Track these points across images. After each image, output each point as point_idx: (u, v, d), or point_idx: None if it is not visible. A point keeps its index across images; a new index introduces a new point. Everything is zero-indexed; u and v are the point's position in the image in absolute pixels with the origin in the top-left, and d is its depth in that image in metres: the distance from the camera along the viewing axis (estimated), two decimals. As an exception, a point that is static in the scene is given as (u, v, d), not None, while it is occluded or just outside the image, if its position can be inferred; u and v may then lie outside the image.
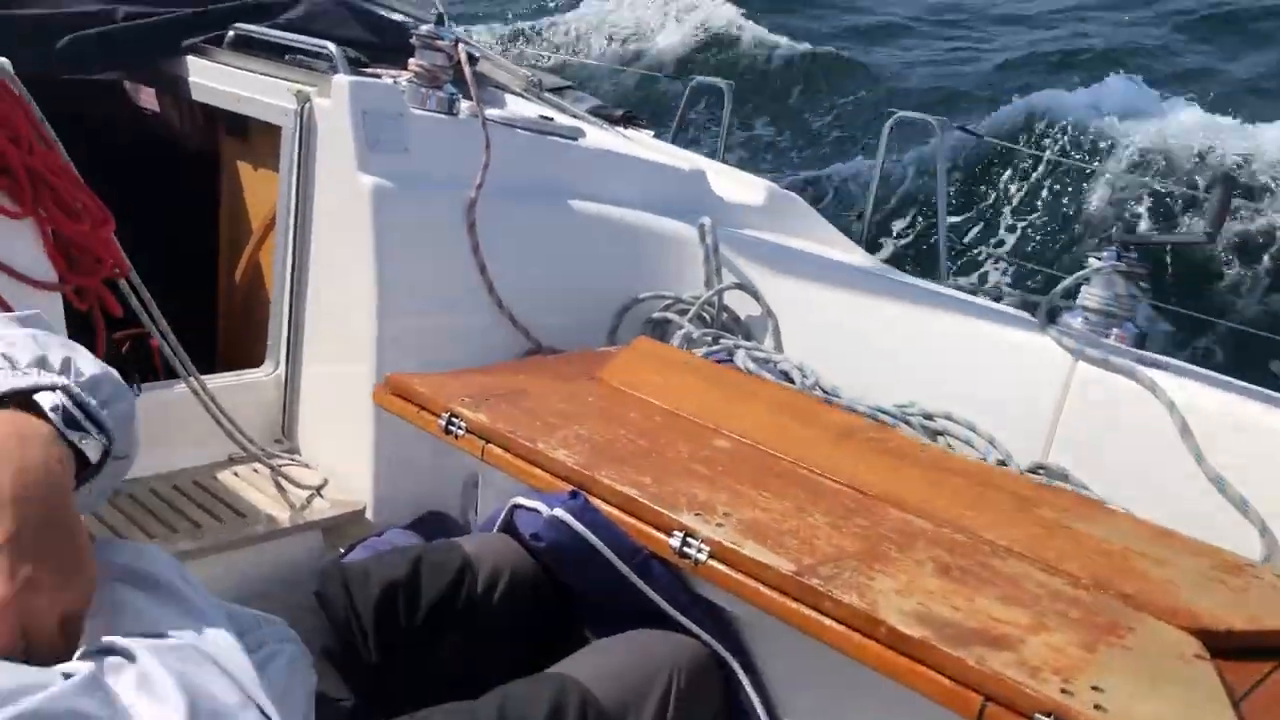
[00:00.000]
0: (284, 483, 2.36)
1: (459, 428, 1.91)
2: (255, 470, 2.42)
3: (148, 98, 3.09)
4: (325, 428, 2.53)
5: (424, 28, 2.55)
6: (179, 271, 2.94)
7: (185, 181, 2.94)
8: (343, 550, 2.24)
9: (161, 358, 2.24)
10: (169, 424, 2.33)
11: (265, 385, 2.58)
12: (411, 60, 2.54)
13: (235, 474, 2.42)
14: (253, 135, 2.74)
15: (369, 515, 2.37)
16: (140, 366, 2.33)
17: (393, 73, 2.68)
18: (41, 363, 0.97)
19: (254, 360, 2.63)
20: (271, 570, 2.27)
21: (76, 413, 0.94)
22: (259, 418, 2.56)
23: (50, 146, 1.99)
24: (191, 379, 2.26)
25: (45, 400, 0.93)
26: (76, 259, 2.02)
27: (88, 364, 1.02)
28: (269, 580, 2.25)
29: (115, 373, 1.06)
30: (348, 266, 2.39)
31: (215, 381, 2.40)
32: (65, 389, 0.95)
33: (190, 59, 2.73)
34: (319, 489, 2.39)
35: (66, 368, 0.99)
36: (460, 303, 2.48)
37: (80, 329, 2.05)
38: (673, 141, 3.49)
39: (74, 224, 1.97)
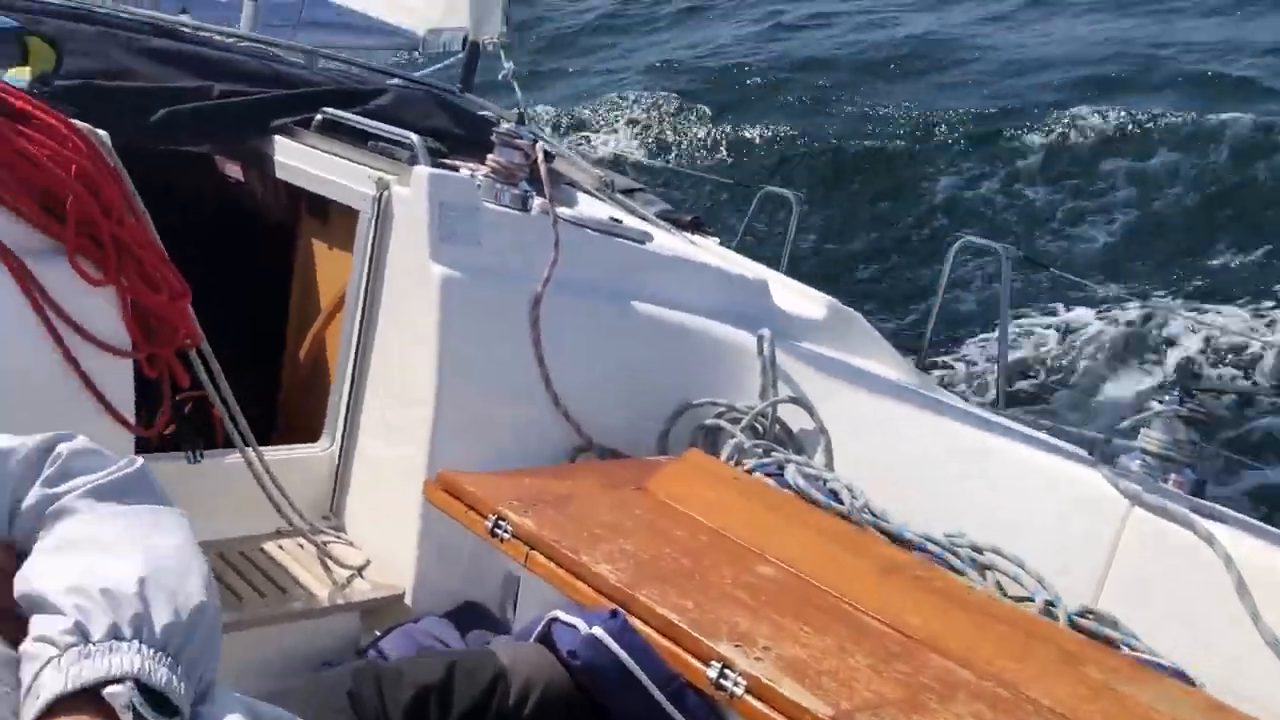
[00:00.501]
0: (328, 561, 2.38)
1: (505, 531, 1.92)
2: (301, 545, 2.44)
3: (234, 170, 3.20)
4: (373, 508, 2.55)
5: (505, 126, 2.62)
6: (249, 339, 3.02)
7: (263, 254, 3.02)
8: (378, 633, 2.24)
9: (222, 426, 2.29)
10: (222, 492, 2.36)
11: (319, 461, 2.61)
12: (490, 156, 2.61)
13: (281, 547, 2.44)
14: (332, 216, 2.81)
15: (408, 600, 2.37)
16: (201, 428, 2.37)
17: (471, 165, 2.75)
18: (115, 631, 0.93)
19: (312, 433, 2.67)
20: (308, 649, 2.28)
21: (148, 714, 0.90)
22: (310, 492, 2.59)
23: (138, 217, 2.07)
24: (248, 450, 2.30)
25: (116, 698, 0.90)
26: (152, 328, 2.08)
27: (163, 607, 0.98)
28: (304, 659, 2.26)
29: (195, 582, 1.04)
30: (411, 351, 2.43)
31: (271, 454, 2.44)
32: (137, 680, 0.91)
33: (279, 138, 2.83)
34: (361, 569, 2.40)
35: (140, 627, 0.95)
36: (517, 395, 2.51)
37: (147, 392, 2.11)
38: (737, 247, 3.52)
39: (153, 295, 2.03)
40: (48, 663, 0.91)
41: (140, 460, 1.15)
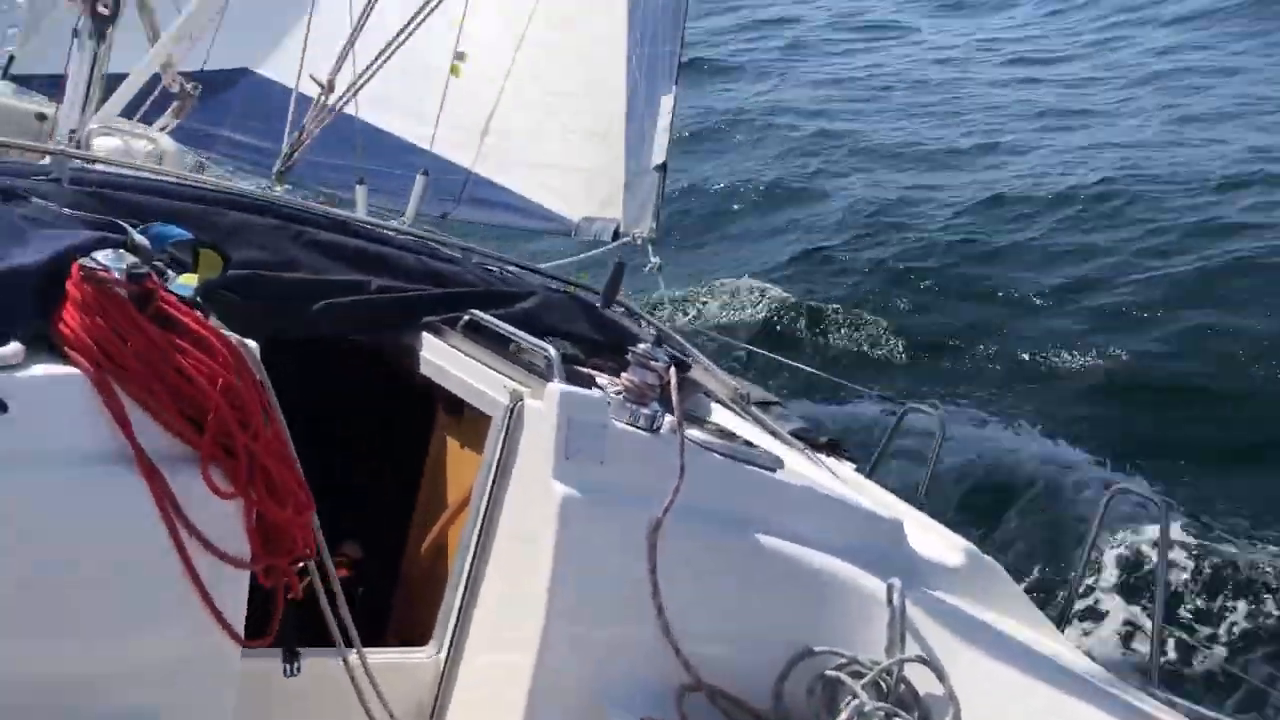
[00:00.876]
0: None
1: None
2: (396, 756, 2.38)
3: (378, 360, 3.30)
4: None
5: (641, 346, 2.62)
6: (375, 529, 3.05)
7: (399, 445, 3.08)
8: None
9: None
10: (326, 693, 2.34)
11: (424, 668, 2.57)
12: (624, 374, 2.60)
13: (376, 756, 2.38)
14: (467, 417, 2.85)
15: None
16: (310, 622, 2.37)
17: (605, 377, 2.76)
18: None
19: (423, 634, 2.65)
20: None
21: None
22: (412, 697, 2.56)
23: (275, 430, 2.11)
24: (351, 655, 2.28)
25: None
26: (273, 539, 2.10)
27: None
28: None
29: None
30: (526, 565, 2.40)
31: (376, 657, 2.41)
32: None
33: (426, 335, 2.91)
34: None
35: None
36: (628, 620, 2.43)
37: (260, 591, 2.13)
38: (873, 472, 3.40)
39: (278, 509, 2.06)
40: None
41: None
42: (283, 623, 2.18)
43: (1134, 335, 9.95)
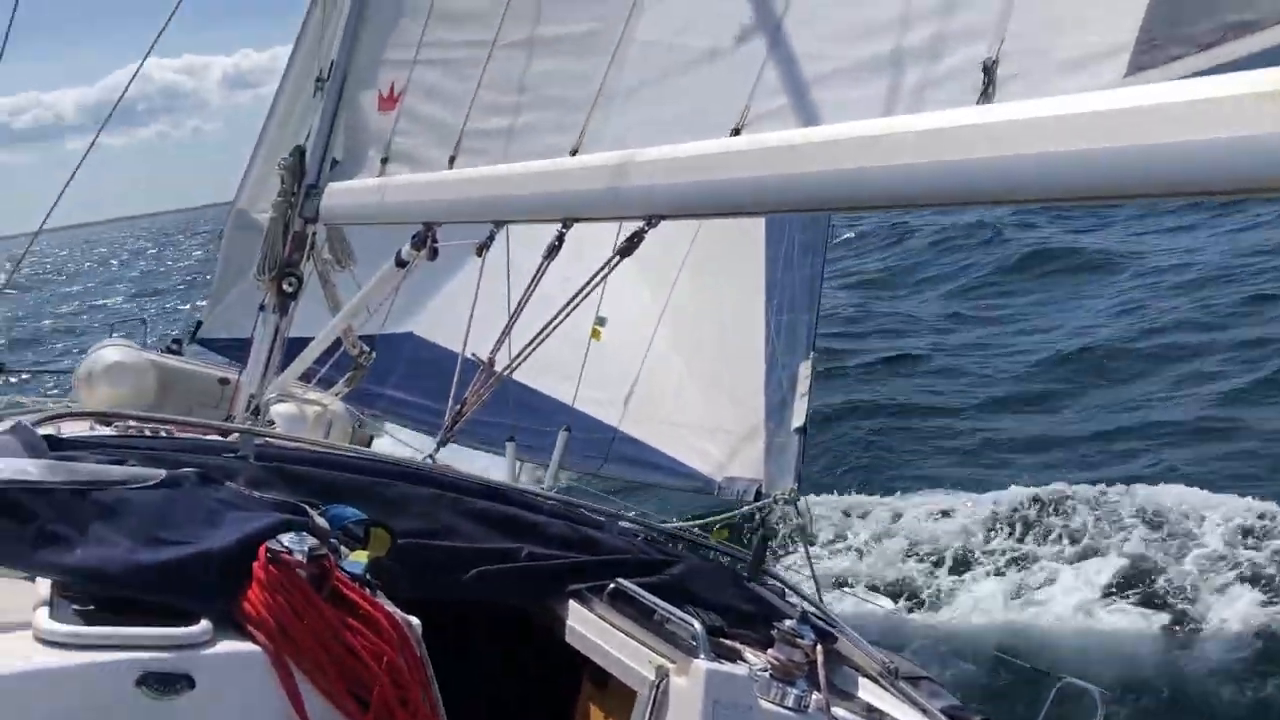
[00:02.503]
0: None
1: None
2: None
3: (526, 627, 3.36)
4: None
5: (787, 623, 2.62)
6: None
7: (544, 713, 3.10)
8: None
9: None
10: None
11: None
12: (770, 651, 2.60)
13: None
14: (611, 689, 2.86)
15: None
16: None
17: (752, 650, 2.76)
18: None
19: None
20: None
21: None
22: None
23: (432, 708, 2.19)
24: None
25: None
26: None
27: None
28: None
29: None
30: None
31: None
32: None
33: (573, 603, 2.97)
34: None
35: None
36: None
37: None
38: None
39: (429, 790, 2.10)
40: None
41: None
42: None
43: None
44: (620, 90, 3.69)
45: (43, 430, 2.72)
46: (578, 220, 3.54)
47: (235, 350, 7.43)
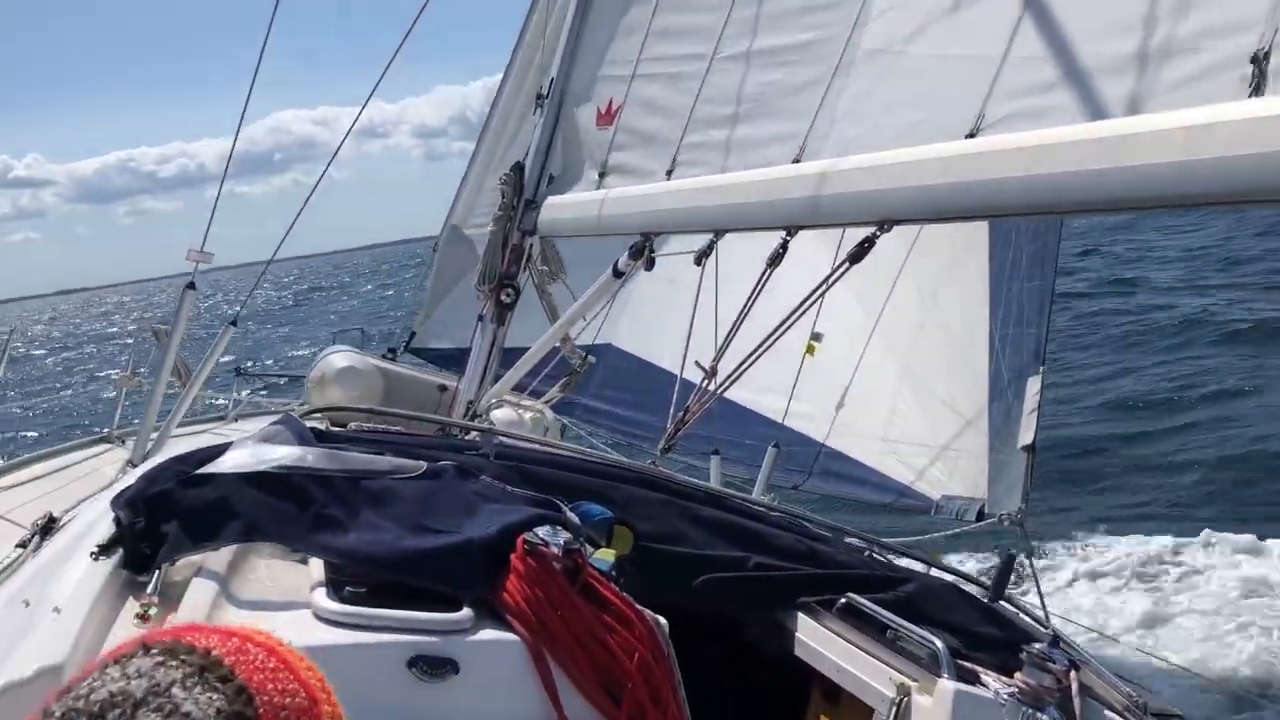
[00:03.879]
0: None
1: None
2: None
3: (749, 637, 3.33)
4: None
5: (1037, 646, 2.50)
6: None
7: (770, 716, 3.06)
8: None
9: None
10: None
11: None
12: (1019, 675, 2.49)
13: None
14: (844, 703, 2.80)
15: None
16: None
17: (991, 675, 2.64)
18: None
19: None
20: None
21: None
22: None
23: (679, 706, 2.19)
24: None
25: None
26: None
27: None
28: None
29: None
30: None
31: None
32: None
33: (802, 616, 2.92)
34: None
35: None
36: None
37: None
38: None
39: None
40: None
41: None
42: None
43: None
44: (844, 100, 3.64)
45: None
46: (804, 228, 3.51)
47: (446, 360, 7.74)
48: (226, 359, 6.67)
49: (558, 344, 5.10)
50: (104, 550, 2.24)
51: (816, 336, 5.16)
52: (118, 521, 2.29)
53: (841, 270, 3.32)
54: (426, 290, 8.54)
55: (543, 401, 5.31)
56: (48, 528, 2.93)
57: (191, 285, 4.76)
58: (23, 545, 2.93)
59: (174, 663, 0.84)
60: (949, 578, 3.46)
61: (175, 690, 0.81)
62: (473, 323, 5.51)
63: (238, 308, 5.83)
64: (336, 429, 3.22)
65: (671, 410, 4.00)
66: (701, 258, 4.08)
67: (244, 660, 0.86)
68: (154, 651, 0.85)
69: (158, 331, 5.42)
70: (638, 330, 7.18)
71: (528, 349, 5.26)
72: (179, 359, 5.09)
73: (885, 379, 5.43)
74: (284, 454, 2.40)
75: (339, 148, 6.64)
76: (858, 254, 3.25)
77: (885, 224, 3.15)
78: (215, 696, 0.82)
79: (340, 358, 5.69)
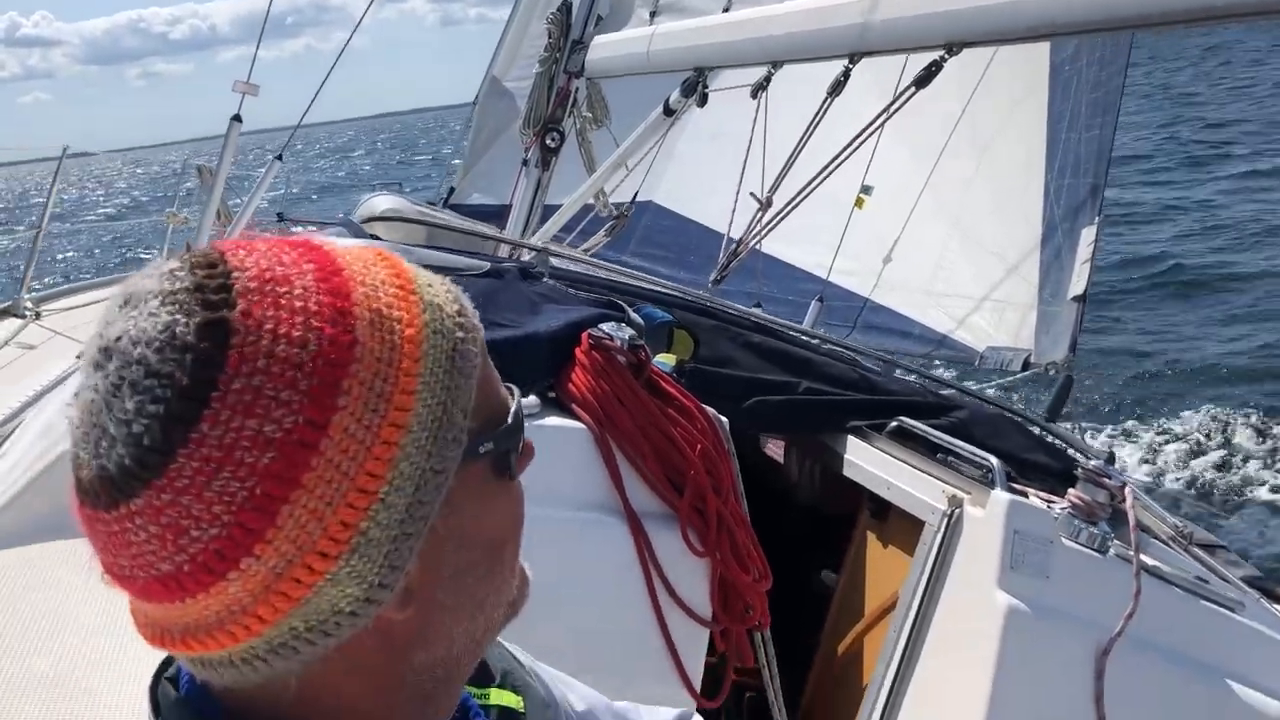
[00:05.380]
0: None
1: None
2: None
3: (774, 448, 3.36)
4: None
5: (1093, 462, 2.51)
6: (785, 630, 3.08)
7: (810, 544, 3.11)
8: None
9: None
10: None
11: None
12: (1072, 491, 2.50)
13: None
14: (892, 520, 2.84)
15: None
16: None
17: (1041, 494, 2.66)
18: None
19: None
20: None
21: None
22: None
23: (739, 499, 2.22)
24: None
25: None
26: (730, 603, 2.19)
27: None
28: None
29: None
30: (959, 674, 2.33)
31: None
32: None
33: (851, 439, 2.94)
34: None
35: None
36: None
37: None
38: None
39: (742, 574, 2.14)
40: None
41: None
42: (727, 703, 2.25)
43: None
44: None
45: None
46: (865, 55, 3.41)
47: (485, 216, 7.70)
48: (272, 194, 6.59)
49: (592, 200, 5.06)
50: None
51: (866, 189, 5.07)
52: None
53: (907, 95, 3.24)
54: (467, 144, 8.44)
55: (584, 249, 5.28)
56: None
57: (238, 118, 4.72)
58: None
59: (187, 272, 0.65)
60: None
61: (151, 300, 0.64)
62: (512, 179, 5.46)
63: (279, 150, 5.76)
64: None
65: (724, 241, 3.97)
66: (758, 90, 3.99)
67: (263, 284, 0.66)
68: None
69: (202, 169, 5.39)
70: (679, 187, 7.09)
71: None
72: (223, 202, 5.07)
73: (934, 231, 5.35)
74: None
75: (364, 15, 6.49)
76: (924, 78, 3.16)
77: (952, 47, 3.05)
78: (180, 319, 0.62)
79: (384, 200, 5.66)
